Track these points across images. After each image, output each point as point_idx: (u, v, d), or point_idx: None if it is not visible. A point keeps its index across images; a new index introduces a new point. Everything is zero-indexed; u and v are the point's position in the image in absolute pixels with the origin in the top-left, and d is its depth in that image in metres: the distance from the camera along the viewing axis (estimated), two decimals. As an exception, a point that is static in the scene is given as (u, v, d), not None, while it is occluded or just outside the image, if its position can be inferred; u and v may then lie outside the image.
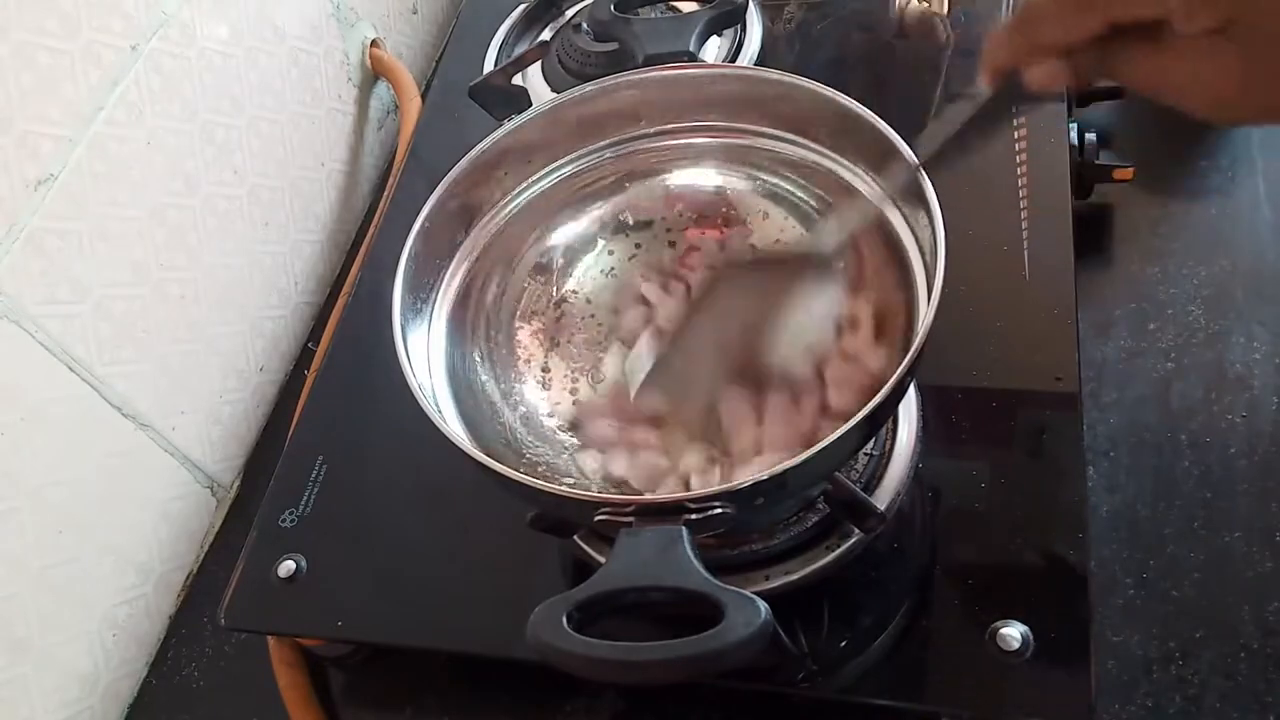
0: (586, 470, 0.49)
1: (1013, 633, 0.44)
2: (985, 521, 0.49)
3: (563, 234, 0.55)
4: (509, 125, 0.51)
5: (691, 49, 0.56)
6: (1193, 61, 0.33)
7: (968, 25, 0.69)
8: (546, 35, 0.77)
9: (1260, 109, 0.34)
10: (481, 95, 0.71)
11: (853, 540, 0.48)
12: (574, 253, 0.55)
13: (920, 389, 0.52)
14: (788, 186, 0.52)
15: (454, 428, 0.45)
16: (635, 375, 0.51)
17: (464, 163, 0.50)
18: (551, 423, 0.52)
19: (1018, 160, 0.60)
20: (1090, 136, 0.62)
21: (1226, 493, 0.53)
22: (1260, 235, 0.62)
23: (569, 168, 0.54)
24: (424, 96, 0.80)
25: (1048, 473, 0.50)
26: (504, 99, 0.71)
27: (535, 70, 0.74)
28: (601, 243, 0.55)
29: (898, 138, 0.44)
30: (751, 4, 0.71)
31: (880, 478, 0.49)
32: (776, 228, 0.53)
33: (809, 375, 0.48)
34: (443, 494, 0.55)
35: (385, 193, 0.75)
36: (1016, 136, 0.62)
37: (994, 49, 0.37)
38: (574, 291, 0.55)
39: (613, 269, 0.55)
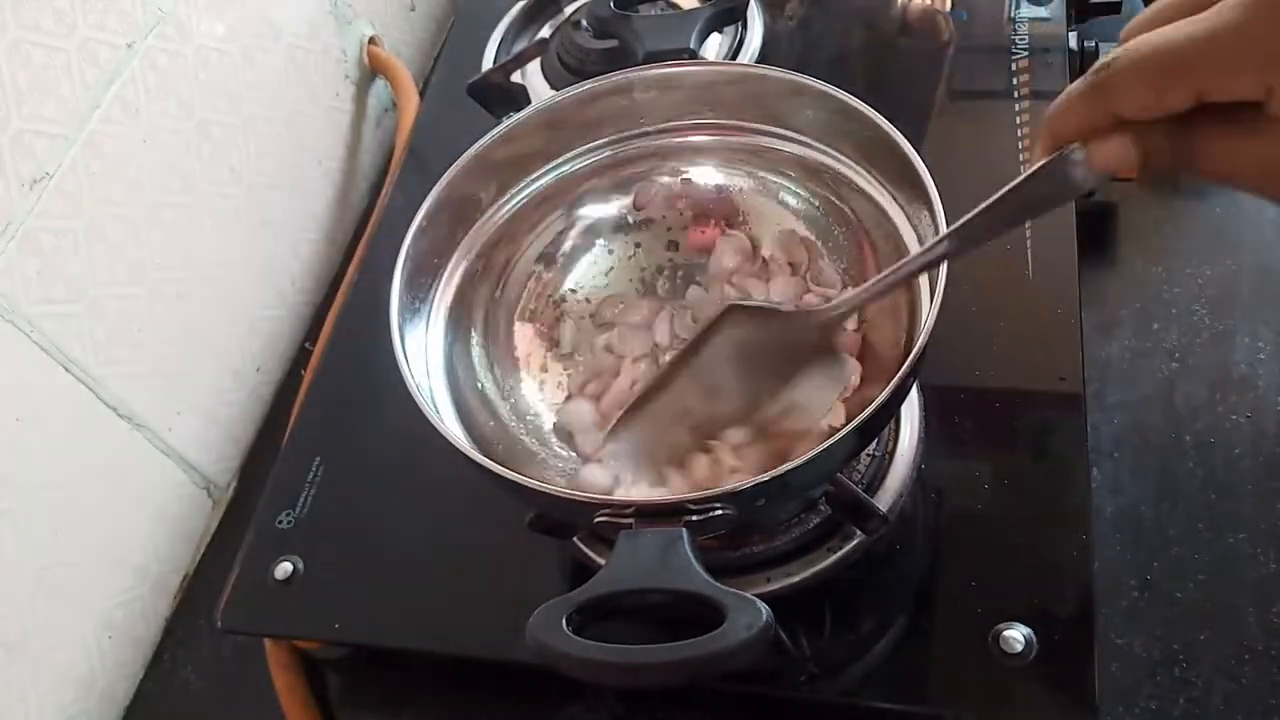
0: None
1: (1016, 635, 0.44)
2: (988, 523, 0.49)
3: (562, 233, 0.55)
4: (507, 123, 0.51)
5: (692, 46, 0.56)
6: None
7: (970, 22, 0.69)
8: (545, 32, 0.77)
9: None
10: (480, 93, 0.71)
11: (855, 542, 0.48)
12: (573, 252, 0.55)
13: (923, 389, 0.52)
14: (789, 185, 0.52)
15: (452, 428, 0.44)
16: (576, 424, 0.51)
17: (462, 161, 0.50)
18: (550, 423, 0.51)
19: (1021, 158, 0.60)
20: (1094, 134, 0.61)
21: (1231, 494, 0.52)
22: (1265, 234, 0.61)
23: (568, 166, 0.53)
24: (422, 94, 0.80)
25: (1051, 474, 0.49)
26: (503, 97, 0.71)
27: (534, 68, 0.74)
28: (601, 242, 0.55)
29: (900, 136, 0.44)
30: (752, 1, 0.71)
31: (882, 479, 0.49)
32: (777, 226, 0.53)
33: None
34: (441, 495, 0.55)
35: (383, 191, 0.75)
36: (1020, 135, 0.61)
37: (1061, 113, 0.33)
38: (573, 291, 0.55)
39: (612, 268, 0.55)
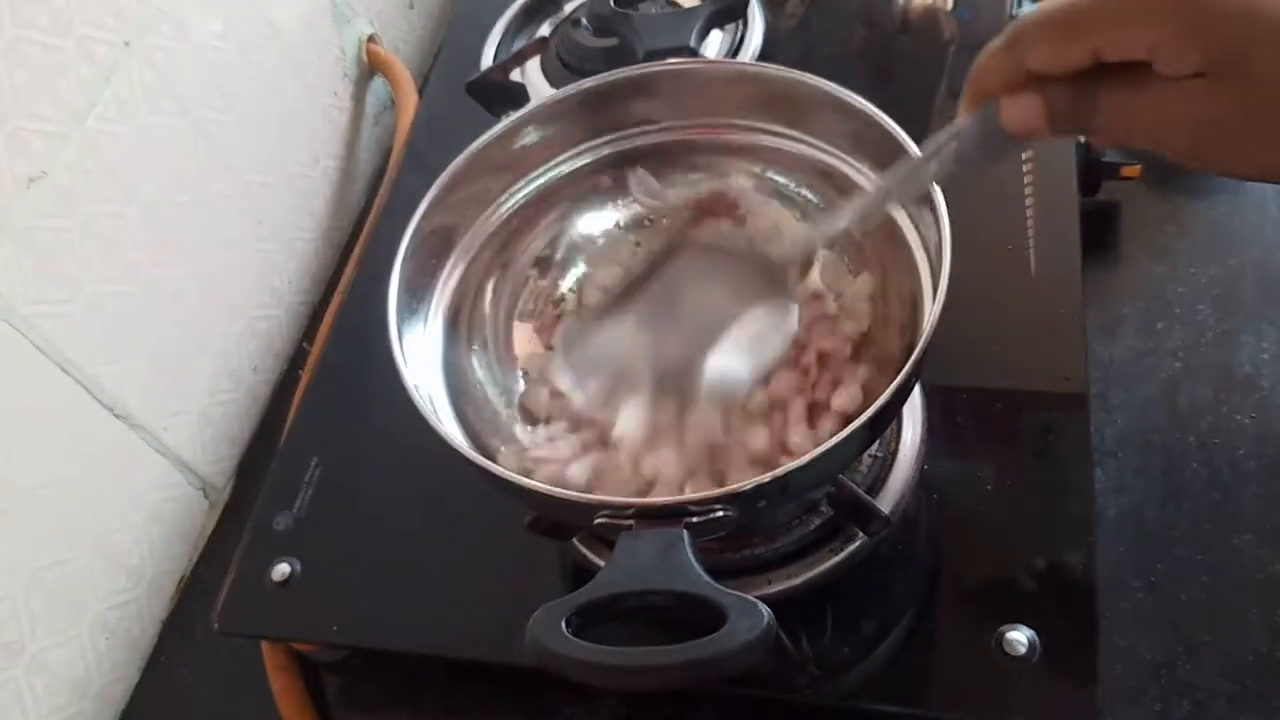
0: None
1: (1019, 637, 0.44)
2: (991, 524, 0.49)
3: (561, 232, 0.54)
4: (506, 122, 0.51)
5: (692, 44, 0.56)
6: (1173, 106, 0.31)
7: (972, 20, 0.69)
8: (545, 30, 0.77)
9: (1246, 161, 0.32)
10: (479, 91, 0.70)
11: (856, 544, 0.47)
12: (572, 251, 0.55)
13: (925, 390, 0.52)
14: (790, 183, 0.52)
15: (450, 429, 0.44)
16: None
17: (461, 160, 0.49)
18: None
19: (1024, 157, 0.60)
20: (1097, 133, 0.61)
21: (1235, 494, 0.52)
22: (1268, 233, 0.61)
23: (567, 165, 0.53)
24: (421, 92, 0.80)
25: (1054, 475, 0.49)
26: (502, 95, 0.71)
27: (534, 66, 0.74)
28: (601, 242, 0.55)
29: (903, 134, 0.44)
30: (753, -1, 0.71)
31: (884, 480, 0.49)
32: (779, 225, 0.52)
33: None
34: (439, 496, 0.55)
35: (381, 190, 0.74)
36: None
37: (983, 68, 0.36)
38: (572, 291, 0.54)
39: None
